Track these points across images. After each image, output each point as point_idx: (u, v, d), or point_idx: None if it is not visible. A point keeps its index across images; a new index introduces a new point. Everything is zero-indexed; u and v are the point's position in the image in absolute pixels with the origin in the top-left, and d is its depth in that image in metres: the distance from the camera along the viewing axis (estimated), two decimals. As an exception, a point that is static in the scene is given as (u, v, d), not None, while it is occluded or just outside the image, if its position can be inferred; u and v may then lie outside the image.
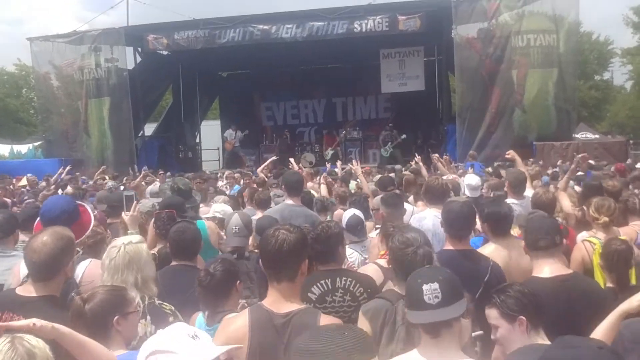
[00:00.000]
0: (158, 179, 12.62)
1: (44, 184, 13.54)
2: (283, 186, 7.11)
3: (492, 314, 2.89)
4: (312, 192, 8.39)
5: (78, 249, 4.45)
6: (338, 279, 3.93)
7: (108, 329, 2.93)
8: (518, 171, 7.23)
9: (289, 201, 6.56)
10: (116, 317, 2.95)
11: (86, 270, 4.17)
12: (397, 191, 8.01)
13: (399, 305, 3.24)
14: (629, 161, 15.68)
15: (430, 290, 2.62)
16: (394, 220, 5.53)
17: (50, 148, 23.09)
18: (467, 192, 7.31)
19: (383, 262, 4.46)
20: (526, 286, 2.99)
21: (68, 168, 14.76)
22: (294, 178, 6.78)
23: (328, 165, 15.45)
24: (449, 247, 4.30)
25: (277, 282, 2.97)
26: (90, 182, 14.61)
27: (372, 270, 4.38)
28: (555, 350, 2.04)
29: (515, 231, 5.25)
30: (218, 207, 6.83)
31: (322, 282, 3.90)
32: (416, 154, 11.65)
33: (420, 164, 10.11)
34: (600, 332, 2.98)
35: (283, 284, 2.96)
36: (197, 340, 2.05)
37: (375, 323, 3.29)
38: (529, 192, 6.68)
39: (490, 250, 4.53)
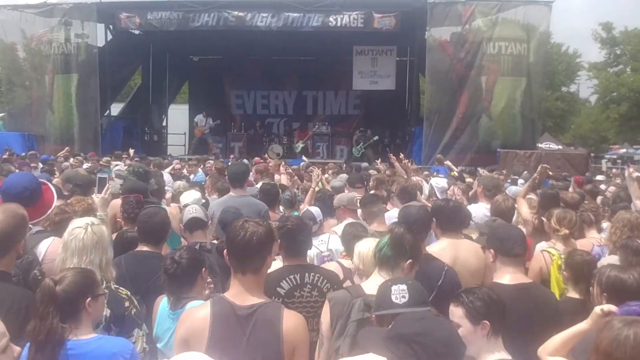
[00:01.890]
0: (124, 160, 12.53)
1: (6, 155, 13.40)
2: (227, 177, 7.13)
3: (457, 312, 2.92)
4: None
5: (41, 227, 4.42)
6: (307, 275, 3.97)
7: (79, 311, 2.94)
8: (492, 176, 7.37)
9: (232, 193, 6.59)
10: (88, 299, 2.96)
11: (49, 247, 4.10)
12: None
13: (357, 303, 3.34)
14: (587, 174, 16.02)
15: (398, 290, 2.78)
16: (377, 219, 5.60)
17: (12, 121, 22.53)
18: (438, 194, 7.46)
19: (345, 261, 4.63)
20: (494, 292, 3.04)
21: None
22: (236, 169, 6.82)
23: (305, 159, 15.47)
24: None
25: (242, 274, 2.97)
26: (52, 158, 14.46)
27: (334, 268, 4.47)
28: (408, 326, 2.29)
29: (474, 235, 5.37)
30: (189, 196, 6.68)
31: (292, 277, 3.92)
32: (392, 155, 11.69)
33: (396, 164, 10.19)
34: (554, 344, 3.10)
35: (248, 275, 2.97)
36: None
37: (334, 312, 3.42)
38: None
39: (440, 247, 4.64)
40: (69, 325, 2.89)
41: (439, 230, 4.81)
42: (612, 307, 2.92)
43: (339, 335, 3.36)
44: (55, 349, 2.81)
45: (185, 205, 5.87)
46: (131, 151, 15.70)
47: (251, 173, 10.48)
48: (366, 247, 3.88)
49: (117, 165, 12.17)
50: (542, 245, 5.39)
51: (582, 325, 3.06)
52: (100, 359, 2.90)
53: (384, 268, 3.52)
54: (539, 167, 7.24)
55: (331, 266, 4.54)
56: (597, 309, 2.98)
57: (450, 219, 4.78)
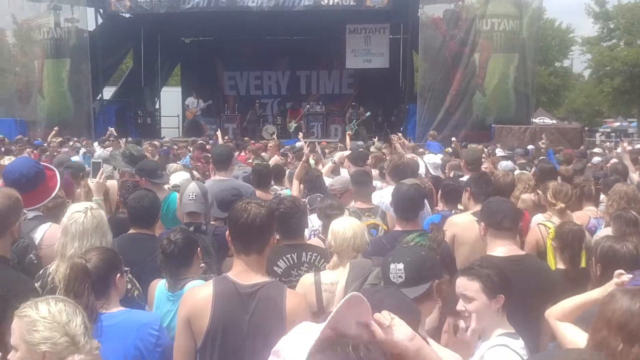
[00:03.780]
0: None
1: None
2: (211, 161, 7.02)
3: (472, 287, 2.90)
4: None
5: (40, 212, 4.40)
6: (304, 254, 4.00)
7: (109, 287, 3.05)
8: (473, 149, 7.39)
9: (217, 177, 6.41)
10: (117, 275, 3.08)
11: (46, 233, 4.08)
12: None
13: (375, 270, 3.35)
14: (582, 147, 16.06)
15: (395, 270, 2.75)
16: (362, 197, 5.62)
17: (3, 108, 22.34)
18: (431, 170, 7.44)
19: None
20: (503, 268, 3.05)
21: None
22: (219, 151, 6.66)
23: (301, 139, 15.28)
24: (397, 228, 4.43)
25: (246, 255, 2.96)
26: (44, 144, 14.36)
27: (316, 243, 4.51)
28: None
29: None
30: (178, 177, 6.68)
31: (288, 256, 3.96)
32: (393, 136, 11.69)
33: (397, 145, 10.19)
34: (564, 309, 3.10)
35: (252, 256, 2.96)
36: None
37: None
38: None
39: (469, 219, 4.70)
40: (102, 302, 3.00)
41: (472, 201, 4.93)
42: (627, 276, 2.94)
43: None
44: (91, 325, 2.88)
45: (175, 186, 5.89)
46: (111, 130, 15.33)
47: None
48: (340, 225, 3.88)
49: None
50: (538, 217, 5.43)
51: (594, 294, 3.07)
52: (131, 327, 3.01)
53: None
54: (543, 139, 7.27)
55: (313, 241, 4.58)
56: (615, 280, 2.98)
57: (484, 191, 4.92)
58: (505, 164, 9.08)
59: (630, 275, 2.93)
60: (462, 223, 4.61)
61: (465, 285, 2.93)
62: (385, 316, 1.81)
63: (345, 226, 3.84)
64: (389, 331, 1.76)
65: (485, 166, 7.56)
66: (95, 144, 14.05)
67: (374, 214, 5.30)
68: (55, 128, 16.24)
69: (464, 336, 2.85)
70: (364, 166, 7.71)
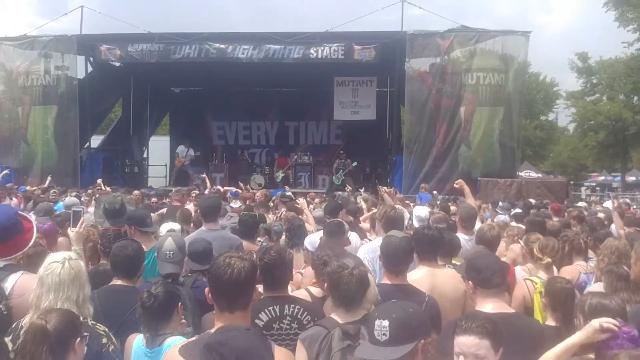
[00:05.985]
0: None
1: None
2: (199, 211, 6.96)
3: (484, 345, 2.82)
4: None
5: (12, 261, 4.29)
6: (286, 307, 3.89)
7: (68, 352, 2.83)
8: (469, 206, 7.33)
9: (204, 227, 6.36)
10: (78, 340, 2.87)
11: (17, 282, 3.92)
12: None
13: (335, 332, 3.26)
14: (566, 202, 16.12)
15: (380, 327, 2.67)
16: (335, 248, 5.52)
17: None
18: (416, 223, 7.34)
19: (314, 290, 4.55)
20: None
21: (4, 172, 14.49)
22: (207, 203, 6.60)
23: (287, 191, 15.34)
24: (385, 281, 4.31)
25: (230, 312, 2.86)
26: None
27: (302, 296, 4.41)
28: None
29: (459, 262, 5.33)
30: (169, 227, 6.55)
31: (270, 308, 3.85)
32: (381, 187, 11.74)
33: (386, 195, 10.17)
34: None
35: (236, 313, 2.87)
36: None
37: (311, 350, 3.31)
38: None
39: (417, 276, 4.57)
40: None
41: (417, 258, 4.77)
42: (612, 321, 2.90)
43: None
44: None
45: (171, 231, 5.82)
46: (99, 181, 15.40)
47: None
48: None
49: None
50: (518, 271, 5.41)
51: (573, 339, 3.02)
52: None
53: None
54: None
55: (299, 294, 4.46)
56: (595, 322, 2.93)
57: (428, 247, 4.73)
58: (504, 219, 9.13)
59: (616, 322, 2.89)
60: (413, 280, 4.49)
61: (478, 344, 2.83)
62: None
63: None
64: None
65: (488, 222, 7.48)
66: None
67: None
68: (49, 178, 16.18)
69: None
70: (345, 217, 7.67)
